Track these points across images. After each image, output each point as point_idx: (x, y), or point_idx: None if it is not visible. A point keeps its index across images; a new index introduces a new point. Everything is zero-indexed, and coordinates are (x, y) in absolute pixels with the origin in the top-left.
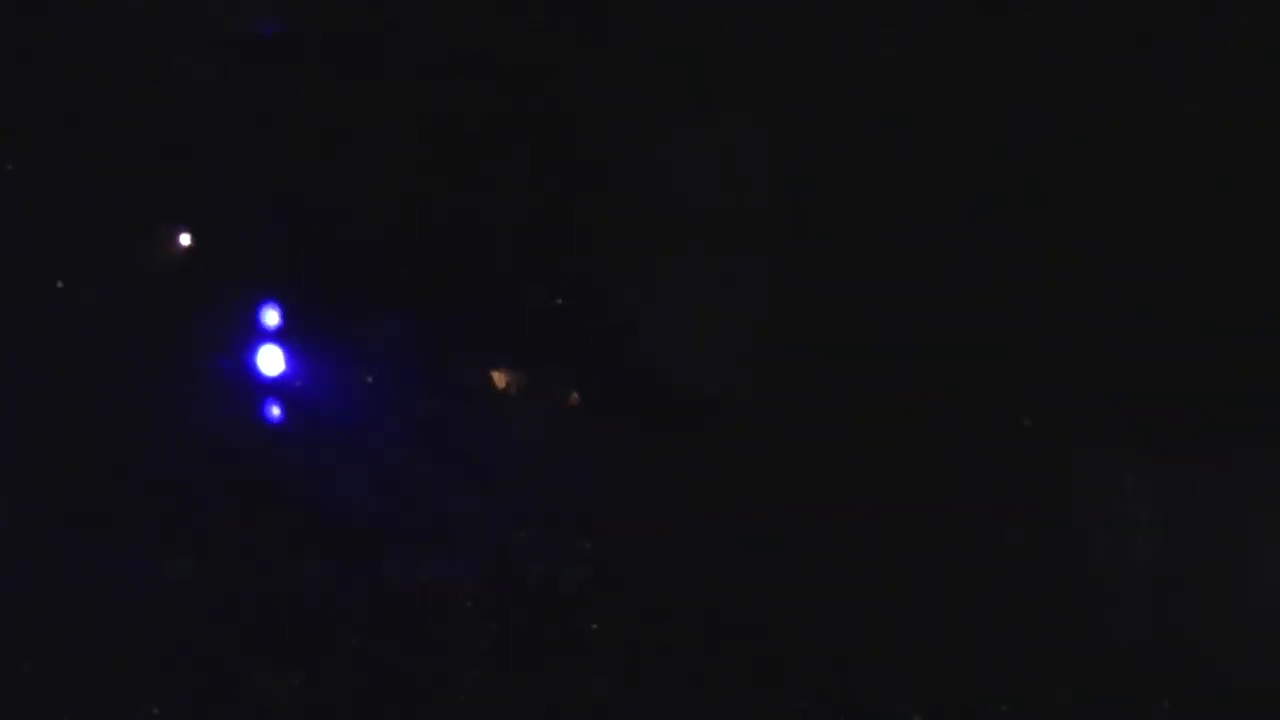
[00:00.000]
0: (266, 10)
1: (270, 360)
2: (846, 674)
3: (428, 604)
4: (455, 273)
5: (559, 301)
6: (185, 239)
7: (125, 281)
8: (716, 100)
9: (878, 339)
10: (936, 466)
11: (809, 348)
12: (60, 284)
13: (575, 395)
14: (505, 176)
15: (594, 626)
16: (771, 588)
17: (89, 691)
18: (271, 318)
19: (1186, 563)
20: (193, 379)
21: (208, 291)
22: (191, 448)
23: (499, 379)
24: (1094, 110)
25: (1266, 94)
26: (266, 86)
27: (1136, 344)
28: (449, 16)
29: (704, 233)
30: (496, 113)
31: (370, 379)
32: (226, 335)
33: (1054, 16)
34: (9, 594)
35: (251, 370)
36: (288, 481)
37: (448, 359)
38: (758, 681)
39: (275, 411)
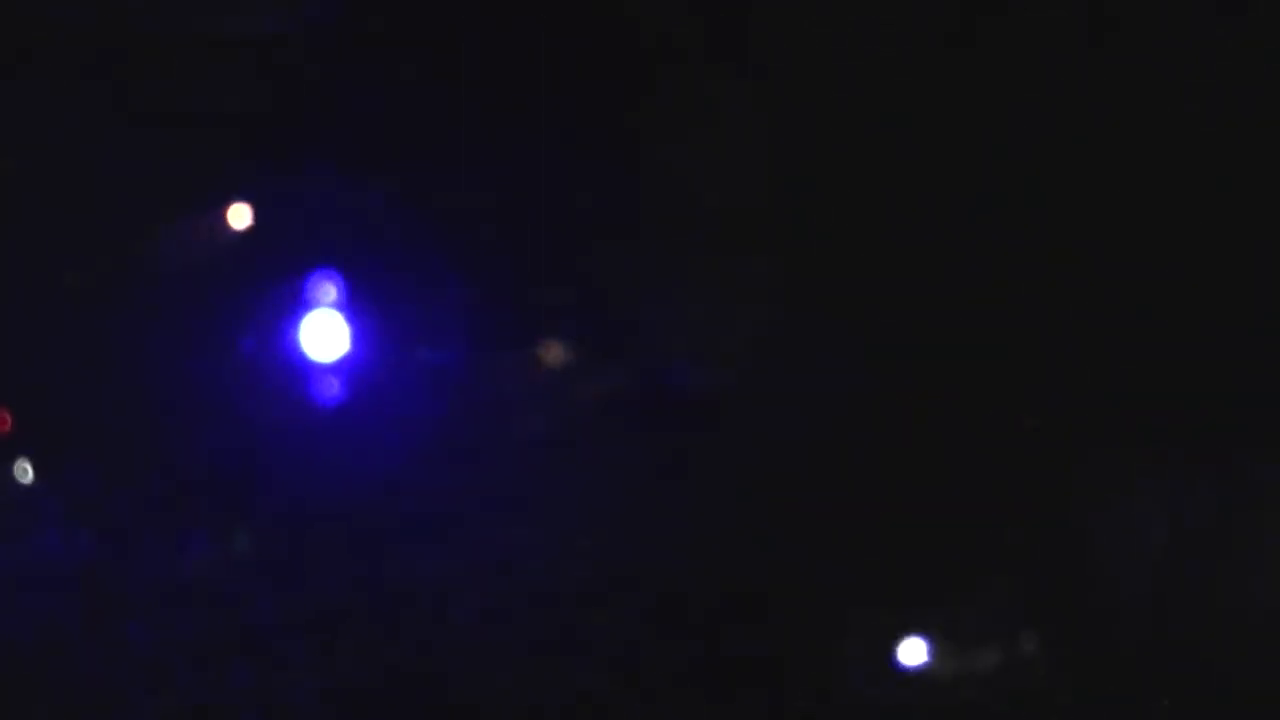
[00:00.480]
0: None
1: (323, 342)
2: (846, 674)
3: (427, 602)
4: (457, 272)
5: (565, 299)
6: (234, 222)
7: (170, 267)
8: (717, 100)
9: (879, 339)
10: (936, 466)
11: (809, 348)
12: (110, 267)
13: (578, 394)
14: (507, 175)
15: (594, 627)
16: (773, 587)
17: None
18: (326, 297)
19: (1187, 563)
20: (244, 361)
21: (257, 274)
22: (242, 431)
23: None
24: (1094, 110)
25: (1267, 94)
26: (291, 77)
27: (1136, 344)
28: (456, 17)
29: (705, 233)
30: (499, 111)
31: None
32: (272, 318)
33: (1054, 16)
34: (58, 580)
35: (300, 353)
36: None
37: (452, 356)
38: (758, 682)
39: (329, 392)
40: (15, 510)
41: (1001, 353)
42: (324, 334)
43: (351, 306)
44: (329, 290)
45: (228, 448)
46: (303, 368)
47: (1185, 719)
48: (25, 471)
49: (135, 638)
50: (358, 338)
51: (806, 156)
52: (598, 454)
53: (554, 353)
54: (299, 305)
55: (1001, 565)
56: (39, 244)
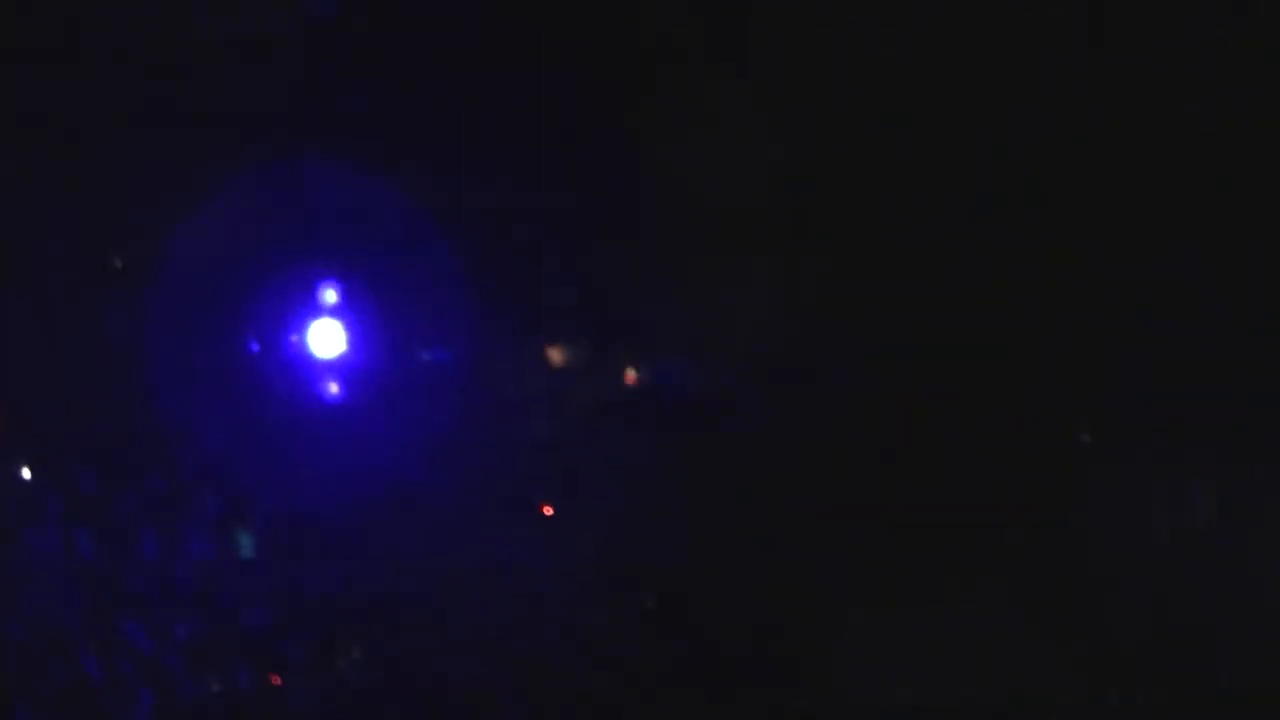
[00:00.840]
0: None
1: (326, 340)
2: (847, 673)
3: (428, 601)
4: (457, 271)
5: (565, 299)
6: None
7: (180, 262)
8: (717, 100)
9: (879, 339)
10: (936, 466)
11: (809, 348)
12: (117, 267)
13: (578, 394)
14: (507, 175)
15: (594, 626)
16: (773, 587)
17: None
18: (328, 299)
19: (1188, 563)
20: (249, 359)
21: (263, 274)
22: (243, 431)
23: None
24: (1094, 110)
25: (1267, 94)
26: (310, 77)
27: (1137, 345)
28: (456, 17)
29: (705, 233)
30: (499, 111)
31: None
32: (280, 317)
33: (1054, 16)
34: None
35: (300, 352)
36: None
37: (453, 356)
38: (759, 681)
39: (330, 393)
40: (15, 510)
41: (1002, 353)
42: (324, 332)
43: (351, 306)
44: (328, 289)
45: (228, 448)
46: (303, 367)
47: (1185, 719)
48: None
49: (134, 637)
50: (357, 337)
51: (806, 156)
52: (598, 454)
53: (554, 352)
54: (299, 304)
55: (1001, 565)
56: (39, 244)
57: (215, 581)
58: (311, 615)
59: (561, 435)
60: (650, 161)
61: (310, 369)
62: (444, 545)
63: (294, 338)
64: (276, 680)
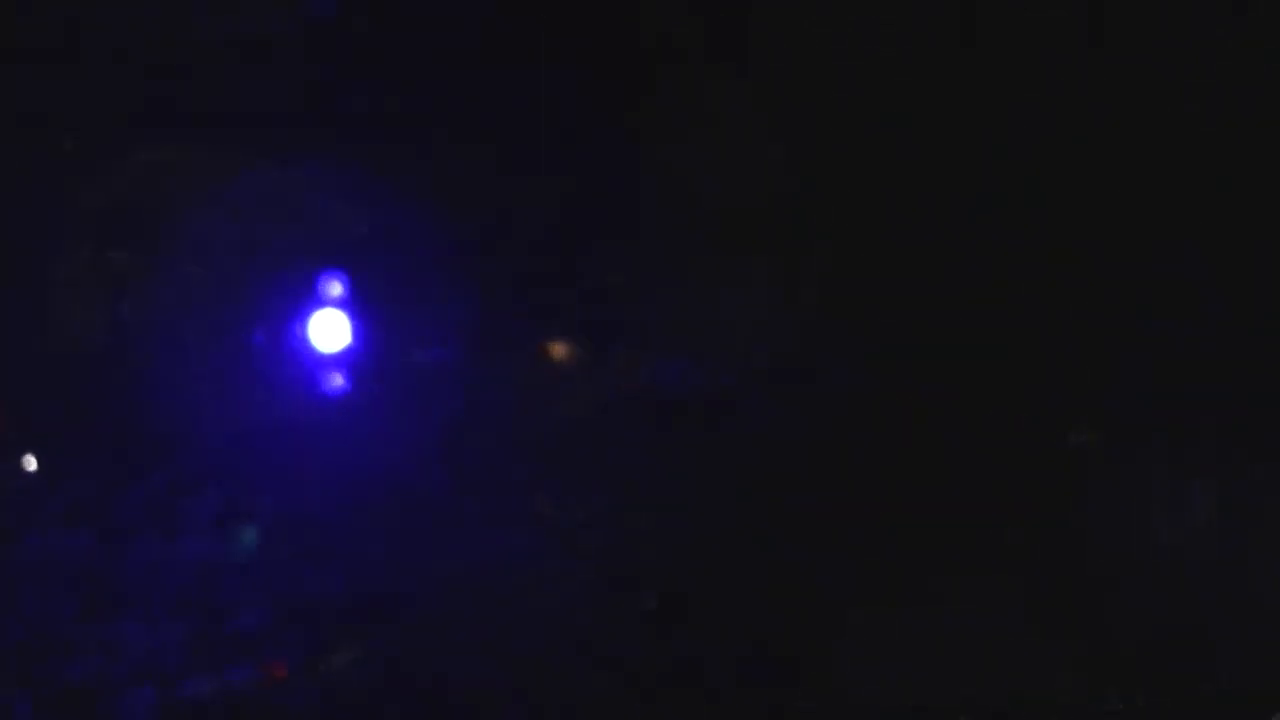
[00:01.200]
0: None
1: (330, 333)
2: (847, 673)
3: (428, 601)
4: (458, 270)
5: (565, 299)
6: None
7: (179, 262)
8: (717, 100)
9: (879, 339)
10: (936, 466)
11: (809, 348)
12: (118, 258)
13: (578, 394)
14: (508, 175)
15: (599, 624)
16: (772, 587)
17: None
18: (334, 290)
19: (1188, 562)
20: (252, 353)
21: (262, 274)
22: (249, 422)
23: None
24: (1094, 110)
25: (1267, 94)
26: (312, 70)
27: (1138, 345)
28: (456, 18)
29: (705, 233)
30: (499, 111)
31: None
32: (284, 309)
33: (1054, 16)
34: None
35: (299, 352)
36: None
37: (454, 355)
38: (759, 681)
39: (337, 383)
40: (15, 510)
41: (1002, 353)
42: (325, 332)
43: (350, 305)
44: (325, 288)
45: (229, 446)
46: (302, 366)
47: (1189, 718)
48: (30, 462)
49: (134, 636)
50: (356, 337)
51: (806, 156)
52: (598, 454)
53: (555, 353)
54: (297, 303)
55: (1001, 565)
56: (39, 244)
57: (215, 581)
58: (311, 615)
59: (561, 435)
60: (650, 161)
61: (308, 368)
62: (444, 545)
63: (290, 337)
64: (277, 676)
